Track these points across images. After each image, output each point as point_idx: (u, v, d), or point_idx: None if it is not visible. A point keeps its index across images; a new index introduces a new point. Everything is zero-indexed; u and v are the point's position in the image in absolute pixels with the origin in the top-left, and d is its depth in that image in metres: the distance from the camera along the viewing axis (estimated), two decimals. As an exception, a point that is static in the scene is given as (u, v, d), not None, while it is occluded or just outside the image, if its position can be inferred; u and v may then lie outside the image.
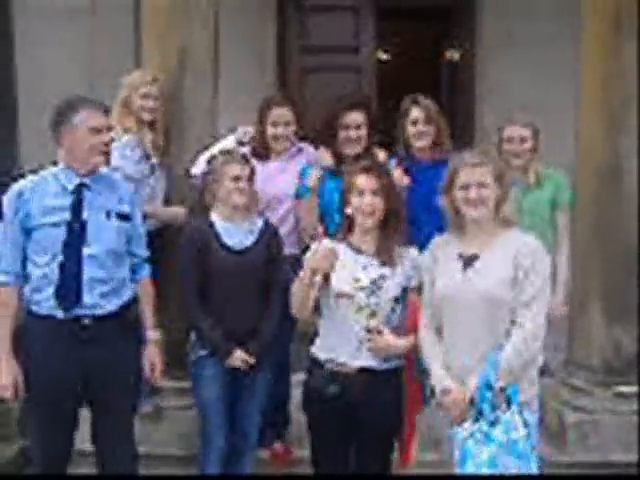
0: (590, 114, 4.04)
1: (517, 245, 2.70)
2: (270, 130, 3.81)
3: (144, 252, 3.23)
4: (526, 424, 2.63)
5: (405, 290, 2.94)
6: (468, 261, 2.76)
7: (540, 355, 2.77)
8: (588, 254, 4.11)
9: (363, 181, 2.88)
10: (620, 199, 3.88)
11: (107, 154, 2.97)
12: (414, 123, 3.85)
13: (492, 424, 2.62)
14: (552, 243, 3.81)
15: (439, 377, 2.78)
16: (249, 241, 3.33)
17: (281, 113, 3.81)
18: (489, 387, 2.64)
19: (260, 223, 3.41)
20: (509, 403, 2.64)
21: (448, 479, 2.88)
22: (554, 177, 3.91)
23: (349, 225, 2.96)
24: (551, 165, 3.94)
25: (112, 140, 3.10)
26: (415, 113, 3.85)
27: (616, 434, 3.94)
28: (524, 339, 2.63)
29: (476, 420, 2.65)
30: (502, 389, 2.63)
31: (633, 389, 4.00)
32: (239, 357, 3.26)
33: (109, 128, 2.95)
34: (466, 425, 2.66)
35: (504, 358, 2.63)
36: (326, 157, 3.79)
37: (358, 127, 3.74)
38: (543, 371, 2.99)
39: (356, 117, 3.74)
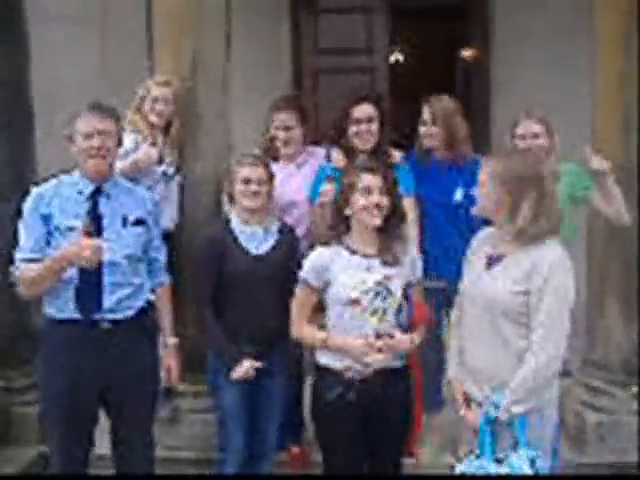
0: (605, 112, 4.01)
1: (535, 257, 2.58)
2: (277, 133, 3.81)
3: (163, 258, 3.24)
4: (533, 463, 2.54)
5: (409, 287, 2.91)
6: (491, 262, 2.70)
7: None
8: (605, 254, 4.08)
9: (370, 180, 2.81)
10: (637, 198, 3.85)
11: (103, 158, 2.92)
12: (424, 123, 3.85)
13: (498, 462, 2.55)
14: (566, 241, 3.73)
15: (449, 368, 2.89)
16: (267, 245, 3.30)
17: (282, 118, 3.80)
18: (489, 421, 2.58)
19: (277, 226, 3.38)
20: (516, 441, 2.56)
21: (448, 479, 2.87)
22: (569, 171, 3.79)
23: (346, 226, 2.89)
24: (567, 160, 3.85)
25: (118, 145, 3.05)
26: (424, 113, 3.85)
27: (635, 434, 3.90)
28: (536, 368, 2.54)
29: (479, 456, 2.59)
30: (508, 423, 2.57)
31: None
32: (245, 367, 3.21)
33: (101, 132, 2.89)
34: (467, 461, 2.61)
35: (513, 384, 2.56)
36: (339, 160, 3.77)
37: (369, 120, 3.69)
38: (562, 372, 2.95)
39: (366, 109, 3.70)
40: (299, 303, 2.94)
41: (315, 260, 2.88)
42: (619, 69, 3.92)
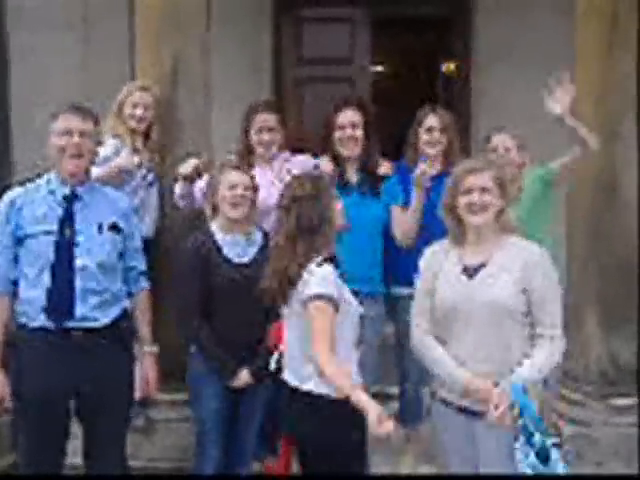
0: (585, 125, 4.03)
1: (524, 255, 2.67)
2: (255, 137, 3.75)
3: (141, 265, 3.18)
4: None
5: None
6: (473, 271, 2.71)
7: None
8: (585, 265, 4.10)
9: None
10: (617, 210, 3.88)
11: (79, 157, 2.88)
12: (429, 130, 3.80)
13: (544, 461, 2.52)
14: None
15: (459, 376, 2.69)
16: (250, 254, 3.28)
17: (265, 119, 3.74)
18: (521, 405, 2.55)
19: (259, 235, 3.35)
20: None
21: (448, 479, 2.86)
22: (533, 172, 3.85)
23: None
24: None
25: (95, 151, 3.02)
26: (431, 121, 3.81)
27: (613, 447, 3.92)
28: (552, 352, 2.66)
29: (526, 442, 2.54)
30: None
31: (630, 401, 3.98)
32: (244, 378, 3.23)
33: (79, 131, 2.86)
34: (519, 452, 2.54)
35: (533, 369, 2.62)
36: (327, 166, 3.73)
37: (353, 126, 3.67)
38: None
39: (350, 115, 3.68)
40: (327, 328, 2.60)
41: (333, 277, 2.65)
42: (600, 80, 3.95)
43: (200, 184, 3.60)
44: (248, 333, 3.23)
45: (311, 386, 2.67)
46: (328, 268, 2.66)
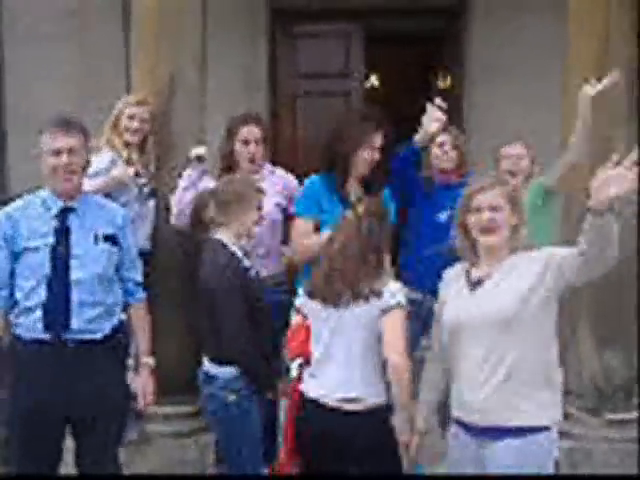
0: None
1: (526, 258, 2.62)
2: (240, 149, 3.74)
3: (137, 276, 3.16)
4: None
5: None
6: (475, 285, 2.68)
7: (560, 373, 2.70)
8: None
9: None
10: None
11: (71, 175, 2.87)
12: (441, 145, 4.01)
13: None
14: None
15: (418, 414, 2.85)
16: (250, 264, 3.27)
17: (251, 130, 3.73)
18: None
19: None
20: None
21: (448, 479, 2.85)
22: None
23: None
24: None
25: (87, 163, 3.00)
26: (443, 137, 4.01)
27: (608, 462, 3.91)
28: None
29: None
30: None
31: (624, 416, 3.99)
32: (283, 389, 3.20)
33: (69, 149, 2.83)
34: None
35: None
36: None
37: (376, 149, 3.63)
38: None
39: (378, 140, 3.63)
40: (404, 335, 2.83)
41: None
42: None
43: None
44: (272, 343, 3.22)
45: (356, 392, 2.77)
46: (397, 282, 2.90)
